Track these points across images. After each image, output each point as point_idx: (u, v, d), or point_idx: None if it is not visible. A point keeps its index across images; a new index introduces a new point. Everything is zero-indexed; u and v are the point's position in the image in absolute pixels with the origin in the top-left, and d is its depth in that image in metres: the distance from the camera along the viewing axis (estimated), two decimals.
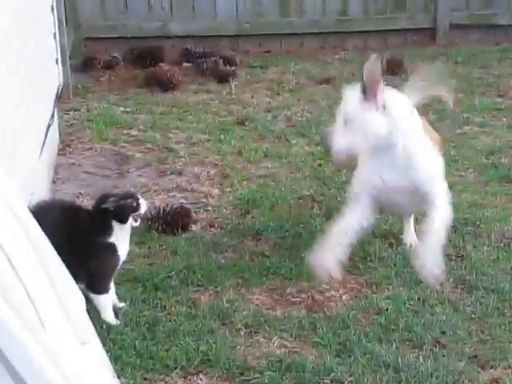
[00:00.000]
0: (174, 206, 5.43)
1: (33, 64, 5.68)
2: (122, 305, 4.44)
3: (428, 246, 4.43)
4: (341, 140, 4.10)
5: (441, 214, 4.50)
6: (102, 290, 4.26)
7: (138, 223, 4.29)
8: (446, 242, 4.56)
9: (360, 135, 4.04)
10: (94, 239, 4.21)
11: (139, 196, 4.33)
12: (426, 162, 4.53)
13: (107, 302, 4.30)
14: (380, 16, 10.20)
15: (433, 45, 10.06)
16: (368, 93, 4.14)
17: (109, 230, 4.21)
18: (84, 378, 3.01)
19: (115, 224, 4.20)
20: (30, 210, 4.16)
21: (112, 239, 4.23)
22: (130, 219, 4.23)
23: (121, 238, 4.26)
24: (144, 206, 4.29)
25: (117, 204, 4.21)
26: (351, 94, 4.30)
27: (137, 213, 4.24)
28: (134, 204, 4.23)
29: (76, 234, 4.15)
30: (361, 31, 10.16)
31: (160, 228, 5.29)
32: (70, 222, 4.22)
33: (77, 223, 4.23)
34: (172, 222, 5.26)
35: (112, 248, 4.24)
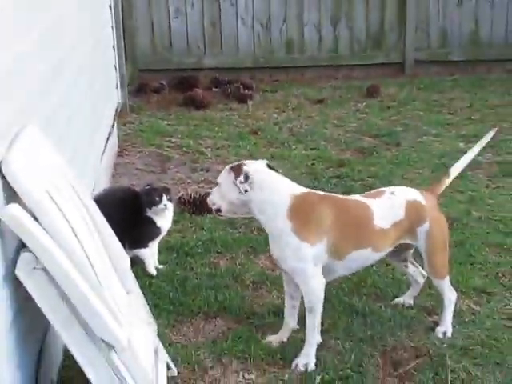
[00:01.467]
0: (202, 194, 5.47)
1: (99, 89, 5.77)
2: (160, 266, 4.52)
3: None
4: (212, 196, 3.67)
5: (306, 296, 3.60)
6: (139, 245, 4.37)
7: (164, 210, 4.34)
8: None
9: (224, 197, 3.59)
10: (136, 213, 4.36)
11: (165, 194, 4.32)
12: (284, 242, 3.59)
13: (148, 254, 4.40)
14: (363, 53, 10.18)
15: (402, 76, 10.01)
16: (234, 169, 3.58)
17: (142, 208, 4.34)
18: (131, 319, 3.09)
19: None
20: (95, 195, 4.31)
21: (148, 214, 4.35)
22: (156, 207, 4.30)
23: (158, 214, 4.36)
24: (163, 203, 4.31)
25: (145, 193, 4.36)
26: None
27: (155, 206, 4.30)
28: (156, 198, 4.30)
29: (126, 209, 4.32)
30: (348, 65, 10.15)
31: (191, 210, 5.36)
32: (124, 200, 4.40)
33: (128, 201, 4.39)
34: (200, 206, 5.30)
35: (148, 220, 4.37)
